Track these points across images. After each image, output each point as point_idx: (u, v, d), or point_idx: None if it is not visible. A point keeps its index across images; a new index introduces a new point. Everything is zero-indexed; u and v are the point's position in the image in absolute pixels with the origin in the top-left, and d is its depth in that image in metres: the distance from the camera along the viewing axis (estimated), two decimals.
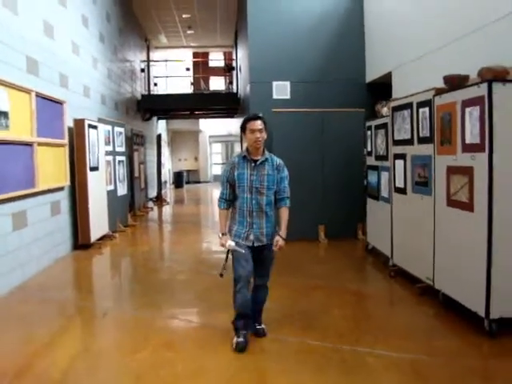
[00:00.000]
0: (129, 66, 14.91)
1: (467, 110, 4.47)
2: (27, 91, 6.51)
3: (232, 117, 20.38)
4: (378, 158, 7.17)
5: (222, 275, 4.17)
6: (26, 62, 6.68)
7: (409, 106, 5.83)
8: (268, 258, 4.25)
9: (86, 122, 8.38)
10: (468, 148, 4.48)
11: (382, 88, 9.91)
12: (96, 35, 10.57)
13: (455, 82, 4.85)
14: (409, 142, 5.86)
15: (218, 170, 29.12)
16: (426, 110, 5.36)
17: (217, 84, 23.29)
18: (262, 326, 4.45)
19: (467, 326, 4.51)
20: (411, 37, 8.29)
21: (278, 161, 4.23)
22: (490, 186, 4.18)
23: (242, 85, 15.41)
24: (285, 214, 4.25)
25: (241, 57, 15.47)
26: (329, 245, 8.61)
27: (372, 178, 7.49)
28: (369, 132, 7.62)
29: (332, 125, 8.98)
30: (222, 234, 4.18)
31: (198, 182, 28.54)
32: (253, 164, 4.14)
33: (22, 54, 6.59)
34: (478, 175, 4.32)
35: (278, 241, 4.15)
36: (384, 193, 6.94)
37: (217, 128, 28.09)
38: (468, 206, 4.49)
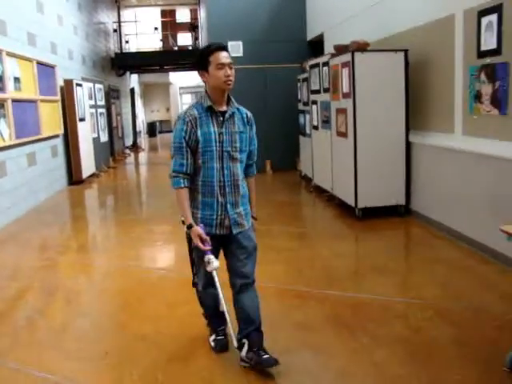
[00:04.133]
0: (102, 27, 16.61)
1: (343, 69, 6.64)
2: (30, 60, 8.46)
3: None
4: (304, 103, 9.34)
5: (195, 284, 3.18)
6: (26, 36, 8.59)
7: (317, 65, 7.98)
8: (250, 246, 3.11)
9: (74, 82, 10.35)
10: (344, 95, 6.67)
11: (320, 45, 11.91)
12: (75, 5, 12.37)
13: (340, 50, 6.99)
14: (318, 91, 8.04)
15: None
16: (326, 68, 7.51)
17: (185, 39, 24.96)
18: (269, 354, 2.96)
19: (347, 215, 6.83)
20: (339, 2, 10.23)
21: (247, 112, 3.10)
22: (354, 120, 6.40)
23: (205, 42, 17.22)
24: (253, 185, 3.28)
25: (203, 16, 17.22)
26: (273, 175, 10.86)
27: (301, 119, 9.69)
28: (298, 84, 9.76)
29: (276, 78, 11.09)
30: (189, 227, 2.91)
31: (171, 131, 30.37)
32: (220, 118, 2.94)
33: (24, 30, 8.50)
34: (349, 113, 6.53)
35: (254, 224, 3.25)
36: (308, 130, 9.15)
37: (186, 79, 29.78)
38: (345, 135, 6.73)
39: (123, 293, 4.41)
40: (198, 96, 2.83)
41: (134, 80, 24.67)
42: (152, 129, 27.73)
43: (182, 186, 2.95)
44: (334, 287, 4.34)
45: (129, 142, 19.81)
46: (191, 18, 24.04)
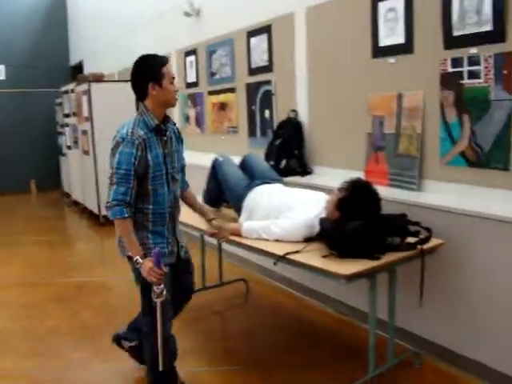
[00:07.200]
0: None
1: (84, 97, 7.68)
2: None
3: None
4: (61, 126, 10.12)
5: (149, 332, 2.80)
6: None
7: (67, 91, 8.90)
8: (190, 260, 3.05)
9: None
10: (86, 119, 7.70)
11: (82, 71, 12.70)
12: None
13: (81, 80, 8.01)
14: (69, 115, 8.96)
15: None
16: (73, 95, 8.46)
17: None
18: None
19: (95, 223, 7.81)
20: (92, 35, 11.19)
21: (175, 126, 2.88)
22: (93, 140, 7.46)
23: None
24: (193, 193, 3.16)
25: None
26: (38, 194, 11.36)
27: (59, 140, 10.46)
28: (56, 107, 10.54)
29: (38, 101, 11.61)
30: (144, 255, 2.61)
31: None
32: (164, 138, 2.70)
33: None
34: (89, 135, 7.55)
35: (225, 231, 3.23)
36: (64, 150, 9.96)
37: None
38: (88, 153, 7.76)
39: None
40: (138, 113, 2.65)
41: None
42: None
43: (126, 215, 2.57)
44: (64, 276, 5.36)
45: None
46: None
